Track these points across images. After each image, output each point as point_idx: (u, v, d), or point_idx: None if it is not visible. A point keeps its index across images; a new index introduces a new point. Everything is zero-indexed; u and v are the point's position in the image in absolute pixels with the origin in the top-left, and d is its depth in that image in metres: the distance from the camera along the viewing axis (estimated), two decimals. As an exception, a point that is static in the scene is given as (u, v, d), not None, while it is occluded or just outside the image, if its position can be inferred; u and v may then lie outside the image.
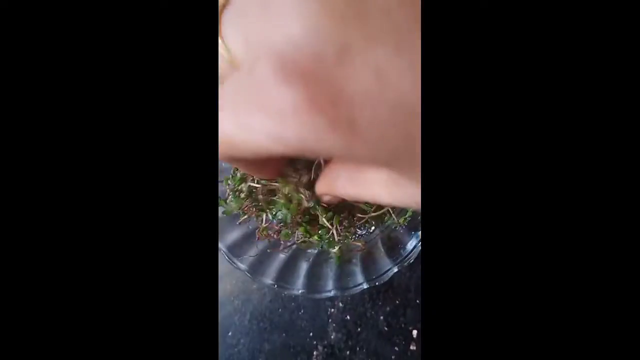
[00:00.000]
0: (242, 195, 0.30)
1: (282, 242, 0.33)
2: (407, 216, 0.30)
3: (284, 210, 0.27)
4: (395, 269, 0.28)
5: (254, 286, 0.40)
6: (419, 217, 0.29)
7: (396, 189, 0.17)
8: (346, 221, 0.30)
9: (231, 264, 0.31)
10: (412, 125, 0.14)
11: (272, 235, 0.32)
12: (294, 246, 0.34)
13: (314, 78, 0.13)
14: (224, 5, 0.15)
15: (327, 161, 0.24)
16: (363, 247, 0.32)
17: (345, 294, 0.29)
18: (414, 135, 0.14)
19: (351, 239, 0.33)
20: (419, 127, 0.14)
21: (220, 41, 0.15)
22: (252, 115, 0.14)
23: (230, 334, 0.39)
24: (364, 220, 0.31)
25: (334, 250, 0.31)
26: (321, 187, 0.23)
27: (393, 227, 0.32)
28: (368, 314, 0.38)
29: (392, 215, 0.31)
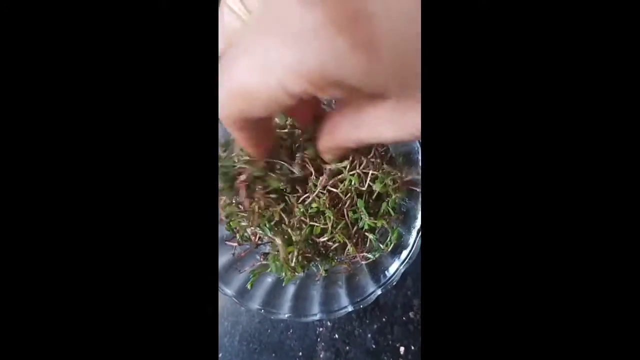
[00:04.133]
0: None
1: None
2: (390, 240, 0.31)
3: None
4: (379, 292, 0.29)
5: (243, 308, 0.40)
6: (401, 240, 0.30)
7: (398, 122, 0.17)
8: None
9: (219, 290, 0.31)
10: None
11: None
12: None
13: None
14: None
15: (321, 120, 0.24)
16: (349, 269, 0.33)
17: (331, 316, 0.30)
18: None
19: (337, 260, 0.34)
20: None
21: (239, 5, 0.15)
22: (271, 50, 0.14)
23: (220, 355, 0.40)
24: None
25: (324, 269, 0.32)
26: (323, 142, 0.23)
27: (377, 252, 0.32)
28: (356, 332, 0.39)
29: (378, 242, 0.32)
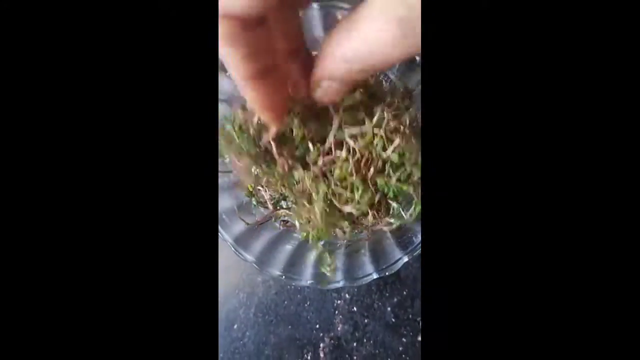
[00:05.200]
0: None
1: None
2: (414, 210, 0.30)
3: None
4: (406, 259, 0.28)
5: (259, 279, 0.39)
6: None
7: (401, 32, 0.15)
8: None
9: (238, 255, 0.30)
10: None
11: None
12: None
13: None
14: None
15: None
16: (369, 237, 0.32)
17: (355, 284, 0.29)
18: None
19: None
20: None
21: None
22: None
23: (235, 327, 0.39)
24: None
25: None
26: (317, 72, 0.20)
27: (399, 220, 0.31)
28: (375, 306, 0.38)
29: (401, 211, 0.30)
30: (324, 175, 0.27)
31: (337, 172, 0.27)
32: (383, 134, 0.26)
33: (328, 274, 0.29)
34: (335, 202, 0.28)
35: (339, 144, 0.27)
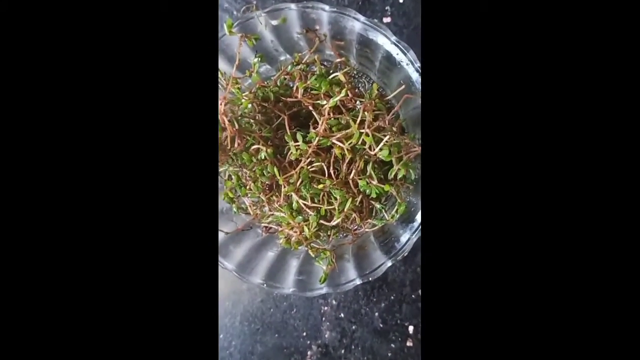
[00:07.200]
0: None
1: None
2: (396, 212, 0.29)
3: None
4: (389, 263, 0.27)
5: (244, 286, 0.38)
6: (412, 210, 0.28)
7: None
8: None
9: (219, 264, 0.29)
10: None
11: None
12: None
13: None
14: None
15: None
16: (354, 240, 0.31)
17: (338, 290, 0.28)
18: None
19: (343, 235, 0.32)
20: None
21: None
22: None
23: (221, 336, 0.38)
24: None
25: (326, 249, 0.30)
26: None
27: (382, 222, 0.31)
28: (362, 311, 0.37)
29: (384, 212, 0.30)
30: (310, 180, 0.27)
31: (320, 186, 0.27)
32: (370, 132, 0.26)
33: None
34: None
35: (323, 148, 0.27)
